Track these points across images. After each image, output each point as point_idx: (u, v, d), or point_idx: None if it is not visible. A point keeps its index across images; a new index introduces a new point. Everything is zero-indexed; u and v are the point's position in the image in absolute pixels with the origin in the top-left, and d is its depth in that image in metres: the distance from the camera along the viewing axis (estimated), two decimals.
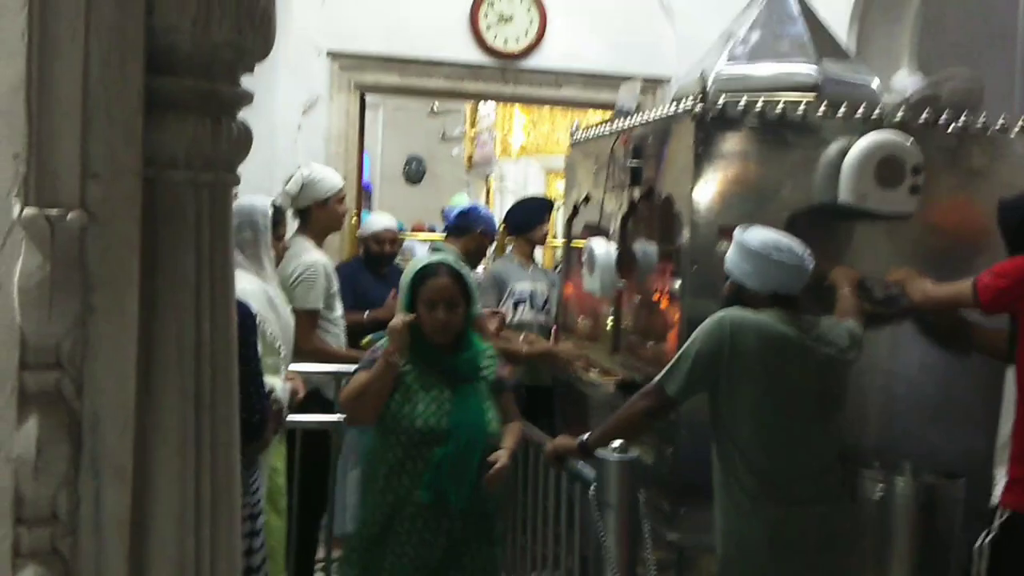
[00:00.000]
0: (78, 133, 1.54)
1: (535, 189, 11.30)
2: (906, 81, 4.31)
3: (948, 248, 3.33)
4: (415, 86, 5.39)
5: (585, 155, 4.28)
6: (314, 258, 3.89)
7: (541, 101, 5.81)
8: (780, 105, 3.22)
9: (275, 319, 3.14)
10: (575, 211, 4.39)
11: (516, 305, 4.66)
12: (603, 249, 3.68)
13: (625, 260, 3.64)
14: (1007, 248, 2.98)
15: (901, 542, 3.07)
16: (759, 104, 3.19)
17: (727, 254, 2.74)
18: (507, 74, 5.37)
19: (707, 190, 3.13)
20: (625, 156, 3.68)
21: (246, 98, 1.75)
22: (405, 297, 2.91)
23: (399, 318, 2.86)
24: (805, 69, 3.55)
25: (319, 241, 4.05)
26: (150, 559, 1.61)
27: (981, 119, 3.39)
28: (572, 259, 4.48)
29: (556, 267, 5.43)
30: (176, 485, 1.64)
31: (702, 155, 3.11)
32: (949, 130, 3.34)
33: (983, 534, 2.83)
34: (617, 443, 2.47)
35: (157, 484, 1.62)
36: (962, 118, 3.37)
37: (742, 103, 3.18)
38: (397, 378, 2.82)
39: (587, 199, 4.20)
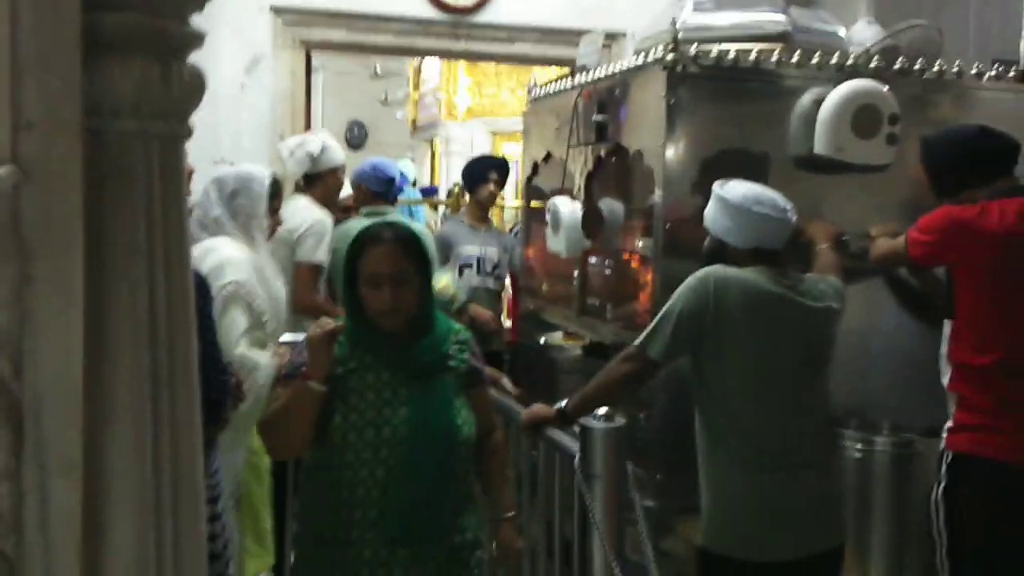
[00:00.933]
0: (7, 78, 1.35)
1: (482, 152, 11.13)
2: (865, 31, 4.22)
3: (922, 200, 3.25)
4: (363, 43, 5.17)
5: (544, 112, 4.14)
6: (322, 215, 3.95)
7: (493, 58, 5.62)
8: (753, 54, 3.10)
9: (264, 293, 3.00)
10: (535, 170, 4.24)
11: (462, 269, 4.53)
12: (568, 208, 3.55)
13: (591, 219, 3.51)
14: (932, 191, 2.92)
15: (881, 503, 3.01)
16: (732, 53, 3.07)
17: (706, 209, 2.62)
18: (459, 30, 5.18)
19: (679, 144, 3.01)
20: (589, 111, 3.54)
21: (197, 39, 1.57)
22: (343, 274, 2.26)
23: (318, 328, 2.19)
24: (773, 17, 3.43)
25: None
26: (106, 558, 1.44)
27: (956, 66, 3.31)
28: (532, 220, 4.34)
29: (512, 229, 5.29)
30: (133, 475, 1.47)
31: (674, 107, 2.99)
32: (924, 77, 3.24)
33: (934, 486, 2.78)
34: (602, 411, 2.34)
35: (111, 474, 1.46)
36: (936, 66, 3.28)
37: (714, 52, 3.05)
38: (339, 380, 2.20)
39: (548, 157, 4.06)
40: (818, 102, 3.12)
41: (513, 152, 12.34)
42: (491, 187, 4.80)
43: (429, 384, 2.22)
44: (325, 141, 4.13)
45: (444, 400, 2.23)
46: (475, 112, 11.95)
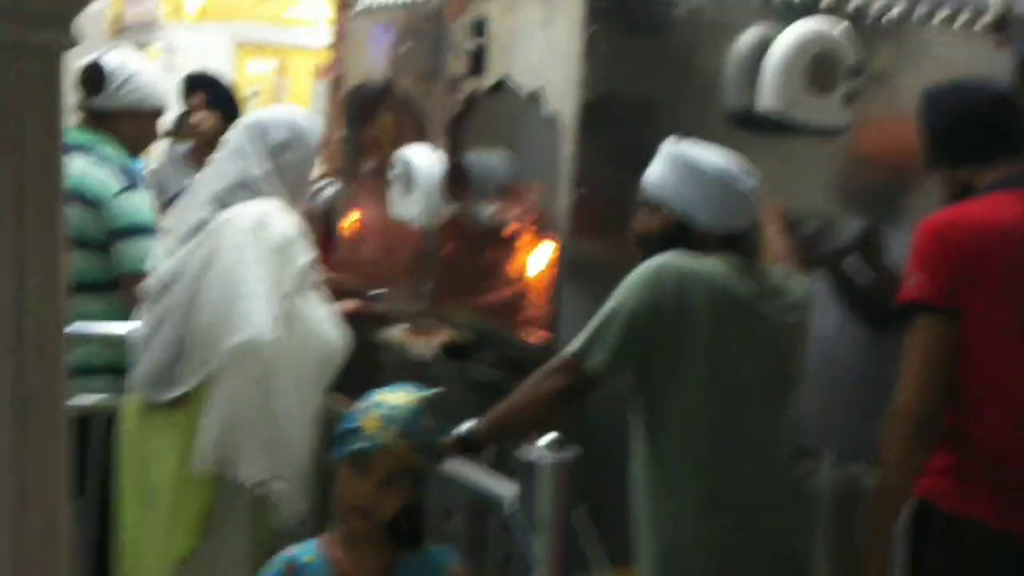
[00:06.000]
0: None
1: (220, 69, 10.80)
2: None
3: (881, 180, 3.46)
4: None
5: (378, 27, 4.08)
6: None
7: None
8: None
9: None
10: (365, 105, 4.19)
11: None
12: (427, 162, 3.53)
13: (455, 178, 3.51)
14: (925, 159, 2.96)
15: (828, 545, 3.19)
16: None
17: (655, 175, 2.68)
18: None
19: (598, 86, 3.06)
20: (458, 34, 3.54)
21: None
22: None
23: None
24: None
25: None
26: None
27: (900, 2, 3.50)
28: (354, 173, 4.29)
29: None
30: None
31: (594, 38, 3.03)
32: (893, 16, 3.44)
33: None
34: (550, 437, 2.36)
35: None
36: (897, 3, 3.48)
37: None
38: None
39: (386, 92, 4.02)
40: (761, 45, 3.25)
41: (263, 72, 12.09)
42: (198, 115, 4.85)
43: None
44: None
45: None
46: (211, 13, 11.59)
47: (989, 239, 2.66)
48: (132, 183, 3.68)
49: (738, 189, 2.64)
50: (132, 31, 12.84)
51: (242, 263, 2.92)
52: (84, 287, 3.58)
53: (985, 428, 2.69)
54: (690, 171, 2.63)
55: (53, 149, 1.45)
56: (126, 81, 3.77)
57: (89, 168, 3.62)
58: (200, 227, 3.03)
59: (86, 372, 3.55)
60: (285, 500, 2.95)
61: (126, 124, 3.80)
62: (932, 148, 2.91)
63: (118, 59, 3.86)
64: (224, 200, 3.05)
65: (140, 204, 3.66)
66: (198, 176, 3.32)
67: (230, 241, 2.95)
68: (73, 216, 3.49)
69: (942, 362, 2.64)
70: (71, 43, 1.46)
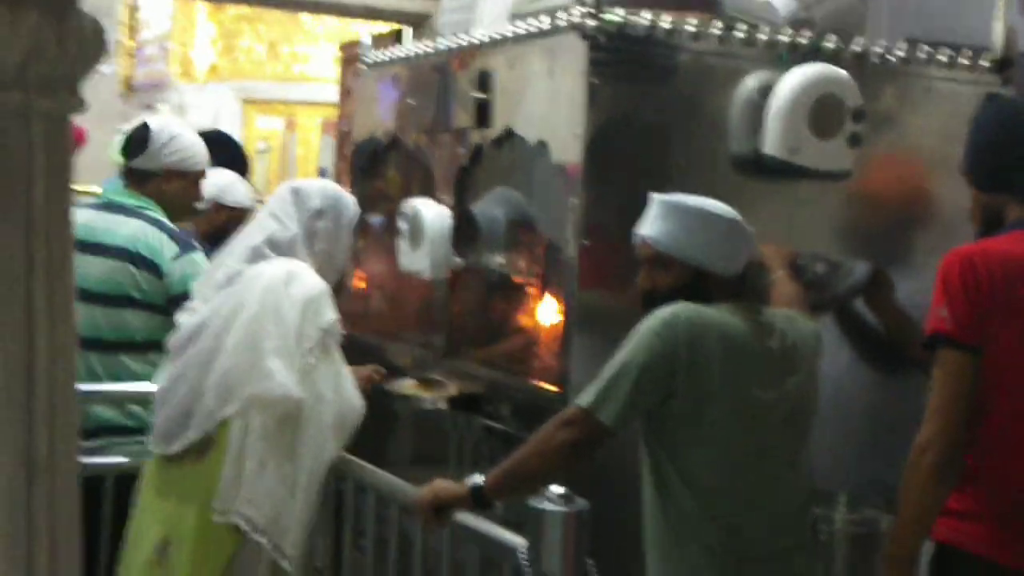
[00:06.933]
0: None
1: (229, 126, 10.89)
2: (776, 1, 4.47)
3: (885, 218, 3.47)
4: None
5: (386, 82, 4.12)
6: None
7: (296, 5, 5.53)
8: (690, 26, 3.21)
9: None
10: (373, 159, 4.22)
11: None
12: (434, 215, 3.54)
13: (463, 230, 3.52)
14: (964, 163, 2.88)
15: None
16: (666, 24, 3.17)
17: (661, 231, 2.66)
18: None
19: (603, 136, 3.08)
20: (464, 86, 3.57)
21: None
22: None
23: None
24: None
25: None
26: None
27: (902, 48, 3.51)
28: (363, 227, 4.30)
29: None
30: None
31: (598, 88, 3.05)
32: (890, 59, 3.46)
33: None
34: (559, 489, 2.35)
35: None
36: (899, 46, 3.50)
37: (645, 20, 3.14)
38: None
39: (394, 144, 4.05)
40: (764, 90, 3.27)
41: (273, 128, 12.19)
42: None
43: None
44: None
45: None
46: (221, 73, 11.70)
47: (1014, 273, 2.63)
48: (187, 246, 3.70)
49: (744, 229, 2.68)
50: (142, 91, 12.96)
51: (269, 314, 2.98)
52: (144, 346, 3.61)
53: (1010, 465, 2.66)
54: (701, 220, 2.65)
55: (62, 213, 1.47)
56: (168, 143, 3.79)
57: (142, 230, 3.65)
58: (231, 281, 3.09)
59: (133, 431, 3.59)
60: (279, 551, 2.94)
61: (168, 185, 3.82)
62: (969, 164, 2.86)
63: (160, 121, 3.94)
64: (256, 257, 3.12)
65: (198, 267, 3.68)
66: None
67: (259, 292, 3.01)
68: (130, 276, 3.60)
69: (968, 396, 2.61)
70: (79, 106, 1.48)
